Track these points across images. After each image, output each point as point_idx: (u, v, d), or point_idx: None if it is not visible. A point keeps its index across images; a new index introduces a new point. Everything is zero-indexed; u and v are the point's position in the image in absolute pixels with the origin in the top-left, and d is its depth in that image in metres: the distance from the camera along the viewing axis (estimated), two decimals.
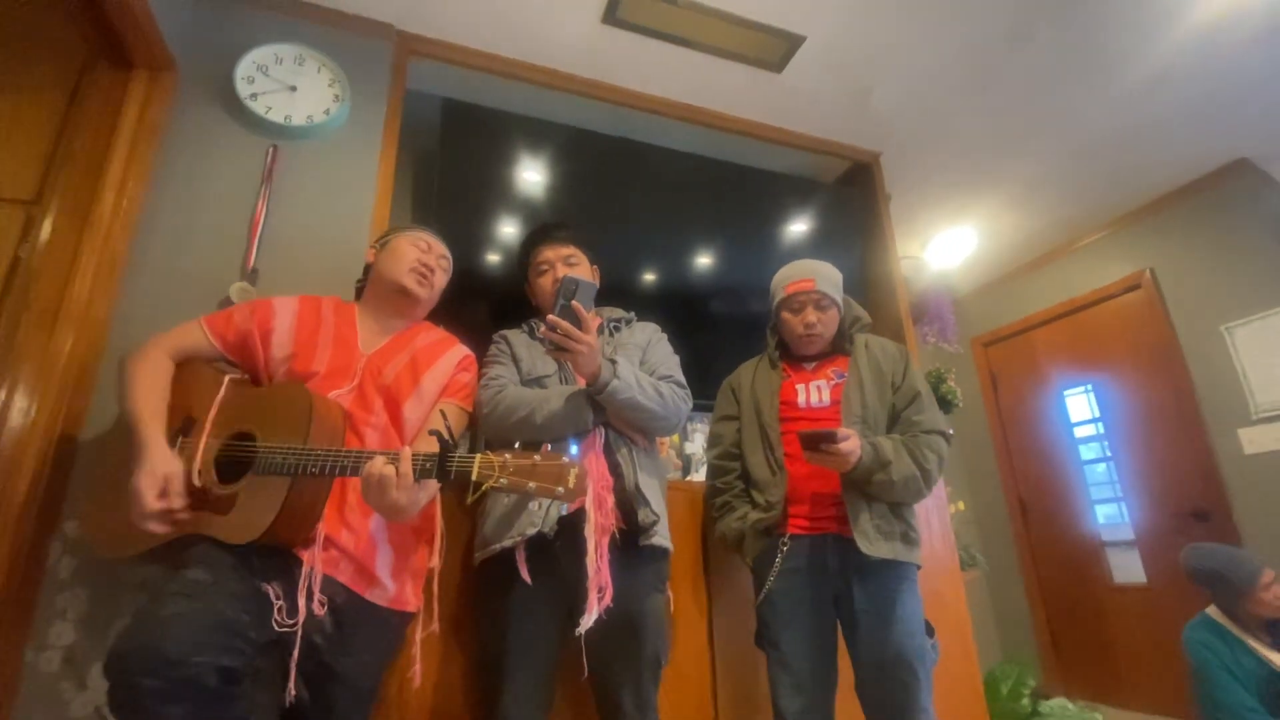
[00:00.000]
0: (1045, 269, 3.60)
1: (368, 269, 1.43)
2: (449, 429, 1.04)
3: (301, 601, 1.05)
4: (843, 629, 1.42)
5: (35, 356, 1.36)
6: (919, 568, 1.43)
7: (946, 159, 2.77)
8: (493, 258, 1.99)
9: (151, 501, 1.02)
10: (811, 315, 1.56)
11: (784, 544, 1.43)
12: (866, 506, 1.39)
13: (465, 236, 1.90)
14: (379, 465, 1.01)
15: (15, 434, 1.30)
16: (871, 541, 1.35)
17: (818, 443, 1.32)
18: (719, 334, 2.19)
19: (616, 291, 1.71)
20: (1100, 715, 2.23)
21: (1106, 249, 3.31)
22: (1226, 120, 2.54)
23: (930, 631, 1.40)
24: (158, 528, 1.04)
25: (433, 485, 1.06)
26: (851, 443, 1.33)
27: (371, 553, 1.15)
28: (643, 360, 1.47)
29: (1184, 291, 2.97)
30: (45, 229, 1.46)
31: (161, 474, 1.04)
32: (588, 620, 1.15)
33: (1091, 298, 3.33)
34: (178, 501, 1.04)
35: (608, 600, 1.17)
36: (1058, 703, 2.29)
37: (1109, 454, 3.25)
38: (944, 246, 3.24)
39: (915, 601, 1.39)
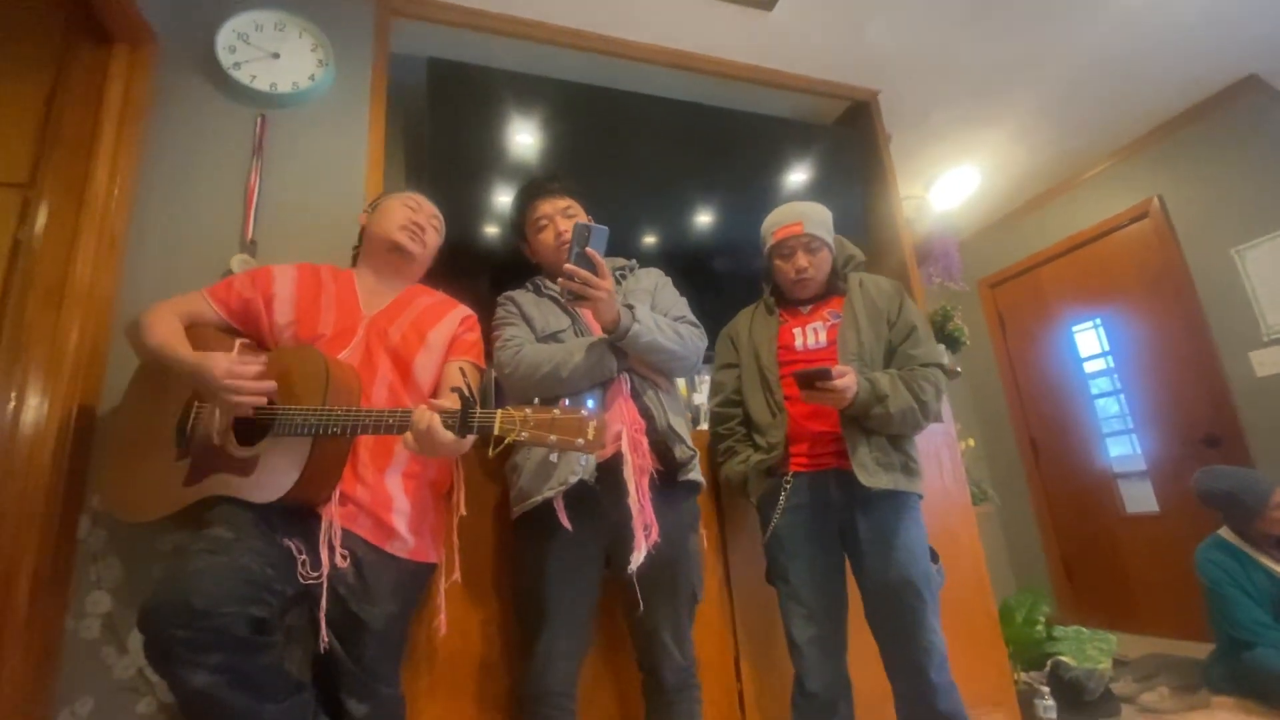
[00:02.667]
0: (1050, 204, 3.55)
1: (362, 234, 1.44)
2: (469, 386, 1.06)
3: (324, 554, 1.08)
4: (849, 559, 1.46)
5: (46, 338, 1.37)
6: (921, 497, 1.46)
7: (946, 94, 2.70)
8: (488, 217, 1.97)
9: (240, 369, 1.07)
10: (802, 259, 1.56)
11: (787, 482, 1.46)
12: (865, 440, 1.41)
13: (459, 197, 1.88)
14: (427, 417, 1.04)
15: (34, 413, 1.32)
16: (871, 474, 1.38)
17: (813, 381, 1.34)
18: (721, 284, 2.18)
19: (615, 245, 1.69)
20: (1115, 638, 2.27)
21: (1113, 179, 3.25)
22: (1234, 35, 2.46)
23: (934, 557, 1.44)
24: (250, 398, 1.08)
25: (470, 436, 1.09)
26: (847, 379, 1.35)
27: (387, 507, 1.18)
28: (653, 304, 1.47)
29: (1193, 217, 2.92)
30: (42, 211, 1.46)
31: (220, 358, 1.09)
32: (638, 557, 1.18)
33: (1098, 230, 3.28)
34: (254, 367, 1.09)
35: (655, 537, 1.20)
36: (1072, 629, 2.34)
37: (1119, 387, 3.24)
38: (947, 187, 3.18)
39: (918, 529, 1.42)
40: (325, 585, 1.08)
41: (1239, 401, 2.72)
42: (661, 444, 1.32)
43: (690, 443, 1.37)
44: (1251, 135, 2.73)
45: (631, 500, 1.21)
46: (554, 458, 1.26)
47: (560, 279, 1.25)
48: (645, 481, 1.25)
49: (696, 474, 1.35)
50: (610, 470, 1.26)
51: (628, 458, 1.24)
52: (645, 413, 1.33)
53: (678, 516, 1.31)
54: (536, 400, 1.07)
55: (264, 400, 1.09)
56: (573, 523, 1.24)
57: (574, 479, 1.23)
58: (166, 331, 1.17)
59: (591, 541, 1.27)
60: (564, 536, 1.24)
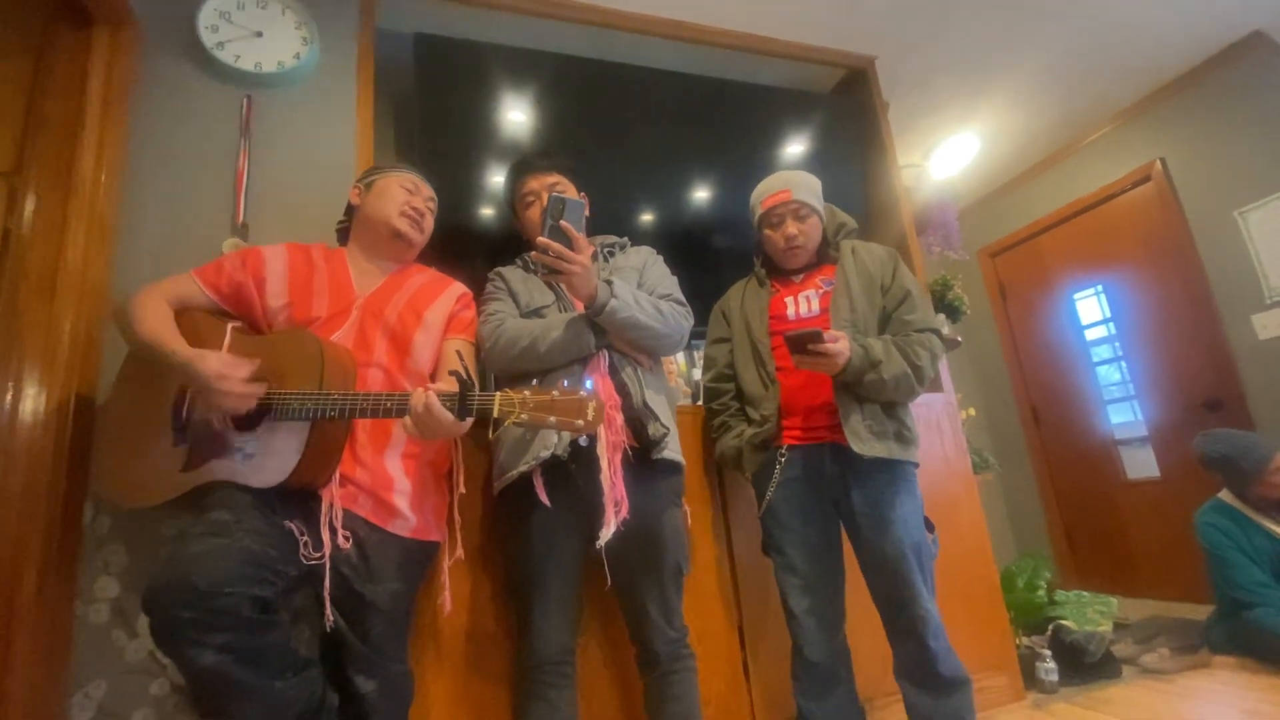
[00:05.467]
0: (1051, 171, 3.50)
1: (350, 209, 1.41)
2: (465, 369, 1.05)
3: (325, 535, 1.09)
4: (845, 530, 1.46)
5: (40, 327, 1.37)
6: (916, 465, 1.45)
7: (944, 59, 2.65)
8: (480, 196, 1.95)
9: (230, 369, 1.05)
10: (792, 227, 1.54)
11: (781, 455, 1.46)
12: (858, 408, 1.40)
13: (451, 176, 1.86)
14: (424, 397, 1.05)
15: (33, 403, 1.32)
16: (864, 441, 1.37)
17: (804, 344, 1.31)
18: (717, 258, 2.17)
19: (610, 222, 1.68)
20: (1115, 601, 2.29)
21: (1115, 143, 3.21)
22: None
23: (930, 527, 1.44)
24: (242, 401, 1.06)
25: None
26: (841, 344, 1.33)
27: (388, 487, 1.18)
28: (640, 282, 1.47)
29: (1196, 179, 2.88)
30: (30, 199, 1.44)
31: (213, 356, 1.07)
32: (606, 533, 1.19)
33: (1100, 195, 3.24)
34: (245, 369, 1.07)
35: (624, 513, 1.21)
36: (1073, 593, 2.36)
37: (1120, 354, 3.23)
38: (946, 155, 3.14)
39: (912, 500, 1.41)
40: (328, 565, 1.08)
41: (1241, 365, 2.72)
42: (636, 421, 1.32)
43: (666, 421, 1.35)
44: (1256, 93, 2.68)
45: (604, 476, 1.22)
46: (541, 433, 1.26)
47: (533, 253, 1.24)
48: (618, 458, 1.25)
49: (672, 451, 1.34)
50: (585, 446, 1.26)
51: (601, 434, 1.24)
52: (621, 389, 1.33)
53: (654, 493, 1.31)
54: (535, 381, 1.08)
55: (254, 403, 1.07)
56: (551, 497, 1.25)
57: (546, 454, 1.24)
58: (156, 322, 1.15)
59: (571, 516, 1.28)
60: (543, 510, 1.25)
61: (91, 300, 1.42)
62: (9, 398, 1.32)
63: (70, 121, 1.50)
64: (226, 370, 1.05)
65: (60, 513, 1.29)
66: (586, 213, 1.30)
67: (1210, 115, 2.83)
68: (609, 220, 1.67)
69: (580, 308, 1.33)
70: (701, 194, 2.23)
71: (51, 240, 1.42)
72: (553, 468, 1.27)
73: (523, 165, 1.55)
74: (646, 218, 2.14)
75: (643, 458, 1.32)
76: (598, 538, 1.20)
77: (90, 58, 1.55)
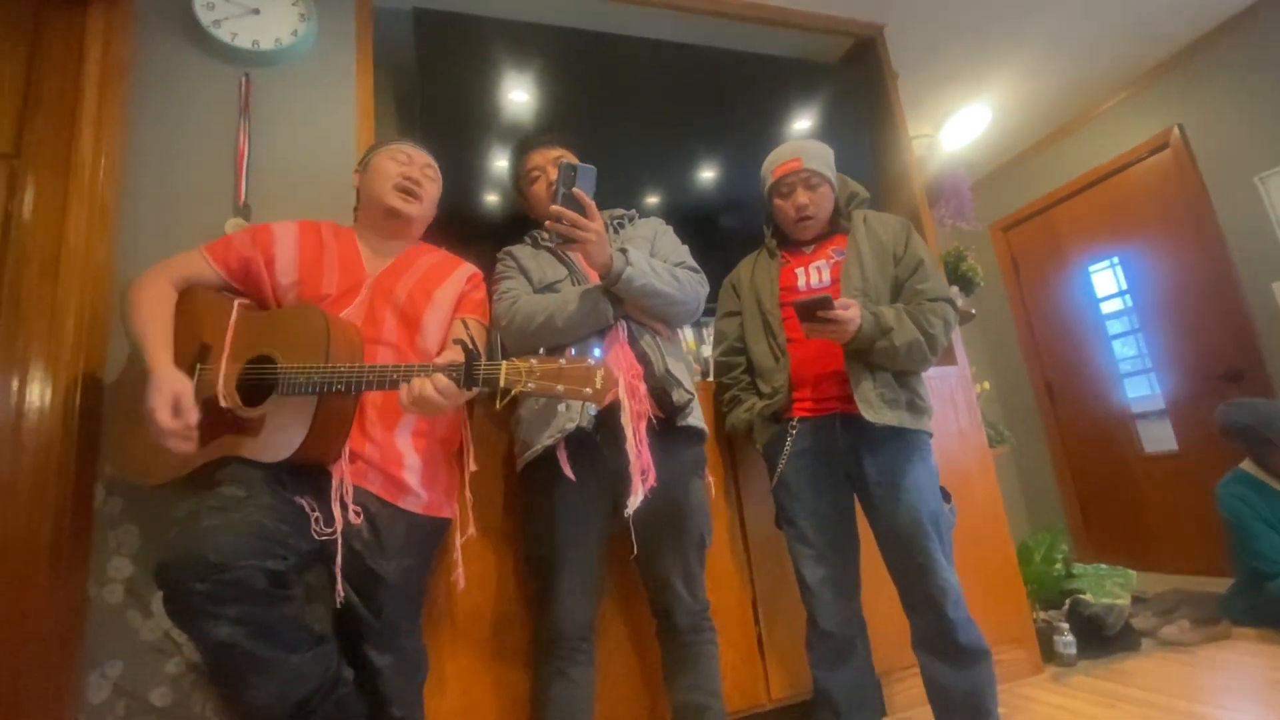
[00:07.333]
0: (1065, 141, 3.43)
1: (359, 193, 1.40)
2: (472, 339, 1.04)
3: (336, 511, 1.08)
4: (859, 501, 1.44)
5: (45, 310, 1.36)
6: (930, 435, 1.43)
7: (953, 27, 2.58)
8: (486, 173, 1.92)
9: (167, 420, 1.02)
10: (803, 197, 1.51)
11: (792, 428, 1.44)
12: (870, 375, 1.37)
13: (456, 153, 1.83)
14: (422, 383, 1.03)
15: (40, 386, 1.32)
16: (876, 409, 1.34)
17: (814, 311, 1.29)
18: (724, 234, 2.13)
19: (613, 197, 1.64)
20: (1134, 574, 2.26)
21: (1130, 110, 3.13)
22: None
23: (947, 497, 1.42)
24: (180, 445, 1.04)
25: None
26: (851, 311, 1.30)
27: (398, 464, 1.17)
28: (652, 252, 1.45)
29: (1215, 145, 2.81)
30: (30, 182, 1.44)
31: (170, 392, 1.04)
32: (634, 501, 1.18)
33: (1115, 164, 3.17)
34: (192, 417, 1.04)
35: (651, 481, 1.20)
36: (1091, 566, 2.33)
37: (1137, 326, 3.18)
38: (957, 127, 3.08)
39: (927, 468, 1.39)
40: (340, 541, 1.07)
41: (1262, 334, 2.66)
42: (659, 389, 1.31)
43: (690, 387, 1.34)
44: (1277, 55, 2.59)
45: (629, 445, 1.20)
46: (563, 406, 1.24)
47: (547, 221, 1.22)
48: (643, 427, 1.24)
49: (696, 419, 1.33)
50: (608, 417, 1.24)
51: (625, 404, 1.23)
52: (642, 358, 1.31)
53: (679, 462, 1.30)
54: (542, 351, 1.06)
55: (190, 448, 1.05)
56: (575, 470, 1.24)
57: (571, 426, 1.23)
58: (149, 313, 1.13)
59: (595, 488, 1.27)
60: (568, 484, 1.24)
61: (95, 283, 1.41)
62: (16, 382, 1.32)
63: (68, 103, 1.49)
64: (167, 421, 1.02)
65: (71, 495, 1.29)
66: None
67: (1229, 79, 2.75)
68: (614, 196, 1.64)
69: (594, 279, 1.31)
70: (707, 168, 2.19)
71: (53, 223, 1.41)
72: (577, 440, 1.25)
73: (526, 141, 1.53)
74: (652, 193, 2.10)
75: (666, 426, 1.30)
76: (624, 508, 1.19)
77: (85, 38, 1.53)
